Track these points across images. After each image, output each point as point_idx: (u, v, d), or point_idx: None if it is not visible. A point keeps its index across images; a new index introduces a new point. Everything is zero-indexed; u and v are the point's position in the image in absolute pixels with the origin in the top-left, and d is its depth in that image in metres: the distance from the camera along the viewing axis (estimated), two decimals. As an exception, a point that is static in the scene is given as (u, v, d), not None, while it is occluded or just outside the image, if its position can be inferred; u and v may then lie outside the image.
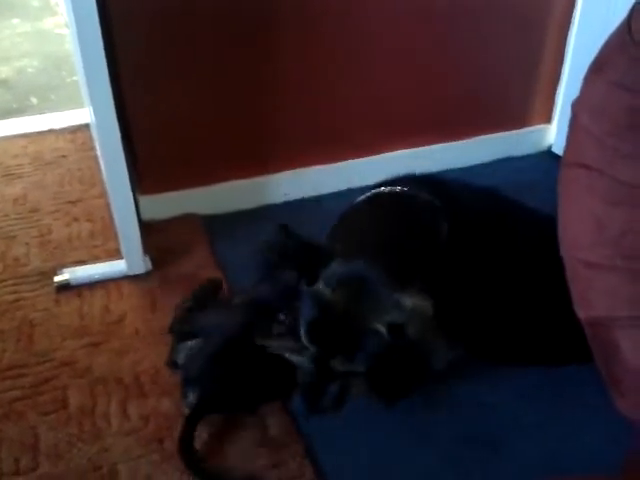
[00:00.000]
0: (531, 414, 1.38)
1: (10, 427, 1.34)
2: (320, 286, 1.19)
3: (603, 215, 0.60)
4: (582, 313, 0.64)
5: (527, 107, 2.27)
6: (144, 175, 1.94)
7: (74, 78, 2.90)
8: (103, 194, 2.05)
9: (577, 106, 0.63)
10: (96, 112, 1.52)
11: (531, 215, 1.44)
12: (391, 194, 1.36)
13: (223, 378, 1.32)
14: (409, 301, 1.15)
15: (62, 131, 2.44)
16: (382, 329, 1.15)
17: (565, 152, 0.65)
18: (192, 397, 1.31)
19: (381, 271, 1.18)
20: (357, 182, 2.04)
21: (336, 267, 1.20)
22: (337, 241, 1.33)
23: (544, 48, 2.16)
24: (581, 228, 0.62)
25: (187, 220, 1.97)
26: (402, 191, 1.35)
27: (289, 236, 1.27)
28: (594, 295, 0.62)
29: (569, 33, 2.13)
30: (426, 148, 2.17)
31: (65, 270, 1.73)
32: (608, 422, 1.29)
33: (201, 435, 1.32)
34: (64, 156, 2.30)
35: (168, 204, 1.97)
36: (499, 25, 2.07)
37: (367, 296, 1.17)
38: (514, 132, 2.28)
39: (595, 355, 0.66)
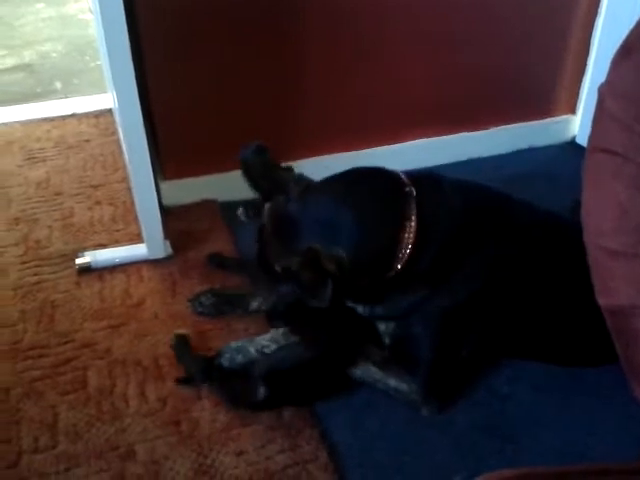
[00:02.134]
0: (547, 405, 1.37)
1: (30, 406, 1.36)
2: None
3: (627, 202, 0.59)
4: (603, 301, 0.63)
5: (551, 97, 2.24)
6: (166, 160, 1.95)
7: (97, 63, 2.92)
8: (125, 179, 2.06)
9: (604, 90, 0.62)
10: (119, 97, 1.53)
11: (550, 217, 1.43)
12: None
13: (294, 377, 1.33)
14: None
15: (85, 115, 2.46)
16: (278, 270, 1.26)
17: (590, 137, 0.64)
18: (263, 392, 1.30)
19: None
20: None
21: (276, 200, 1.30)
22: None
23: (570, 37, 2.13)
24: (604, 215, 0.61)
25: (207, 206, 1.98)
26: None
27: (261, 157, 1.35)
28: (616, 283, 0.61)
29: (596, 22, 2.10)
30: (448, 137, 2.16)
31: (86, 253, 1.75)
32: (623, 413, 1.31)
33: (218, 418, 1.33)
34: (87, 140, 2.31)
35: (189, 190, 1.98)
36: (524, 12, 2.04)
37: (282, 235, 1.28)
38: (537, 122, 2.25)
39: (615, 343, 0.65)
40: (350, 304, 1.39)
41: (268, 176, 1.33)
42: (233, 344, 1.37)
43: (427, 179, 1.32)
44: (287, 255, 1.23)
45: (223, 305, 1.59)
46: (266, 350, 1.34)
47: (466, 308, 1.31)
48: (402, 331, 1.34)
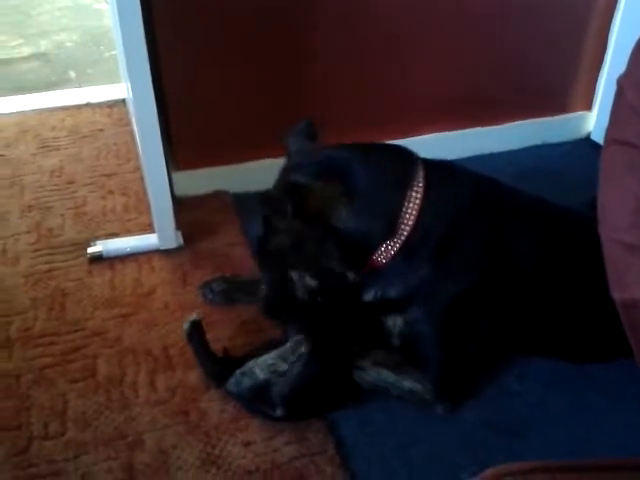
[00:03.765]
0: (556, 402, 1.36)
1: (40, 393, 1.37)
2: None
3: (644, 195, 0.58)
4: (618, 295, 0.62)
5: (567, 93, 2.22)
6: (178, 151, 1.95)
7: (112, 53, 2.92)
8: (138, 169, 2.06)
9: (623, 81, 0.61)
10: (133, 87, 1.53)
11: (564, 211, 1.41)
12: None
13: (317, 400, 1.32)
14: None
15: (99, 105, 2.46)
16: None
17: (608, 129, 0.63)
18: (280, 412, 1.28)
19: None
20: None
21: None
22: None
23: (587, 32, 2.10)
24: (621, 208, 0.60)
25: (218, 197, 1.98)
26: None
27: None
28: (631, 277, 0.60)
29: (613, 18, 2.08)
30: (462, 132, 2.15)
31: (98, 242, 1.76)
32: (634, 410, 1.30)
33: (226, 409, 1.33)
34: (101, 130, 2.32)
35: (201, 181, 1.98)
36: (541, 7, 2.02)
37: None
38: (553, 118, 2.23)
39: (629, 338, 0.64)
40: (360, 290, 1.37)
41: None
42: (237, 370, 1.33)
43: (439, 162, 1.32)
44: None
45: (234, 292, 1.59)
46: (278, 369, 1.30)
47: (471, 299, 1.29)
48: (409, 329, 1.33)
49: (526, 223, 1.32)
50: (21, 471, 1.22)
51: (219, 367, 1.37)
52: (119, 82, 2.45)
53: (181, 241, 1.78)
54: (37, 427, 1.30)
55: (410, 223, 1.24)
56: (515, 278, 1.30)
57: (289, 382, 1.28)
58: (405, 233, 1.25)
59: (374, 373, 1.34)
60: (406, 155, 1.30)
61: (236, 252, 1.76)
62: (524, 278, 1.31)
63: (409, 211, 1.24)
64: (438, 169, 1.29)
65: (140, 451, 1.25)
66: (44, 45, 3.17)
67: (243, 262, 1.72)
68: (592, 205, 1.46)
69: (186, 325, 1.41)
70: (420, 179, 1.25)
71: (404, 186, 1.24)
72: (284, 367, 1.29)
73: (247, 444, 1.26)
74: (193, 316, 1.42)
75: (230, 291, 1.59)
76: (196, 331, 1.41)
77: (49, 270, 1.69)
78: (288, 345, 1.32)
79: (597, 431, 1.29)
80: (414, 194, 1.24)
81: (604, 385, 1.38)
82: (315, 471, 1.21)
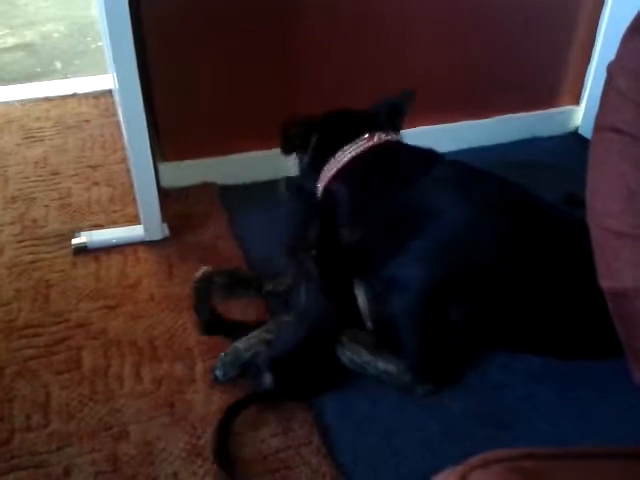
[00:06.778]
0: (543, 394, 1.36)
1: (23, 385, 1.35)
2: None
3: (634, 182, 0.58)
4: (606, 283, 0.62)
5: (556, 87, 2.22)
6: (165, 142, 1.94)
7: (99, 44, 2.91)
8: (124, 160, 2.05)
9: (613, 68, 0.60)
10: (120, 78, 1.52)
11: (554, 212, 1.41)
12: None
13: (304, 368, 1.32)
14: None
15: (85, 96, 2.45)
16: None
17: (597, 116, 0.62)
18: (269, 381, 1.29)
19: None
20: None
21: None
22: None
23: (576, 27, 2.11)
24: (610, 195, 0.60)
25: (205, 189, 1.97)
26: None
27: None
28: (620, 265, 0.60)
29: (602, 12, 2.08)
30: (451, 125, 2.15)
31: (83, 233, 1.74)
32: (621, 401, 1.29)
33: (212, 400, 1.32)
34: (86, 121, 2.30)
35: (187, 172, 1.97)
36: (530, 3, 2.02)
37: None
38: (541, 112, 2.24)
39: (617, 327, 0.64)
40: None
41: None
42: (222, 355, 1.36)
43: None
44: None
45: (235, 286, 1.57)
46: (264, 339, 1.34)
47: (442, 285, 1.30)
48: (382, 308, 1.34)
49: (495, 213, 1.33)
50: (3, 463, 1.20)
51: (213, 319, 1.47)
52: (106, 73, 2.43)
53: (167, 233, 1.76)
54: (20, 419, 1.28)
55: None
56: (489, 269, 1.30)
57: (275, 346, 1.32)
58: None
59: (349, 352, 1.34)
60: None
61: (222, 244, 1.75)
62: (499, 269, 1.30)
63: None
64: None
65: (125, 443, 1.24)
66: (30, 36, 3.14)
67: (229, 254, 1.71)
68: (566, 200, 1.46)
69: (200, 272, 1.54)
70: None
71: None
72: (268, 337, 1.35)
73: (232, 436, 1.25)
74: (204, 268, 1.56)
75: (231, 285, 1.56)
76: (206, 281, 1.52)
77: (33, 261, 1.68)
78: (271, 322, 1.38)
79: (583, 423, 1.29)
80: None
81: (591, 377, 1.38)
82: (301, 462, 1.20)
